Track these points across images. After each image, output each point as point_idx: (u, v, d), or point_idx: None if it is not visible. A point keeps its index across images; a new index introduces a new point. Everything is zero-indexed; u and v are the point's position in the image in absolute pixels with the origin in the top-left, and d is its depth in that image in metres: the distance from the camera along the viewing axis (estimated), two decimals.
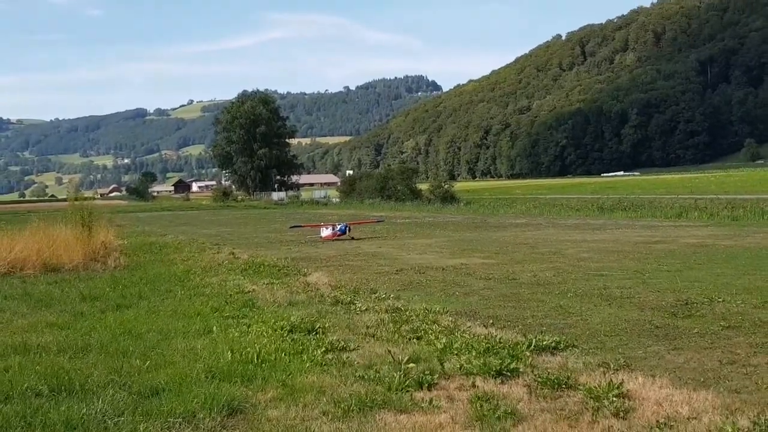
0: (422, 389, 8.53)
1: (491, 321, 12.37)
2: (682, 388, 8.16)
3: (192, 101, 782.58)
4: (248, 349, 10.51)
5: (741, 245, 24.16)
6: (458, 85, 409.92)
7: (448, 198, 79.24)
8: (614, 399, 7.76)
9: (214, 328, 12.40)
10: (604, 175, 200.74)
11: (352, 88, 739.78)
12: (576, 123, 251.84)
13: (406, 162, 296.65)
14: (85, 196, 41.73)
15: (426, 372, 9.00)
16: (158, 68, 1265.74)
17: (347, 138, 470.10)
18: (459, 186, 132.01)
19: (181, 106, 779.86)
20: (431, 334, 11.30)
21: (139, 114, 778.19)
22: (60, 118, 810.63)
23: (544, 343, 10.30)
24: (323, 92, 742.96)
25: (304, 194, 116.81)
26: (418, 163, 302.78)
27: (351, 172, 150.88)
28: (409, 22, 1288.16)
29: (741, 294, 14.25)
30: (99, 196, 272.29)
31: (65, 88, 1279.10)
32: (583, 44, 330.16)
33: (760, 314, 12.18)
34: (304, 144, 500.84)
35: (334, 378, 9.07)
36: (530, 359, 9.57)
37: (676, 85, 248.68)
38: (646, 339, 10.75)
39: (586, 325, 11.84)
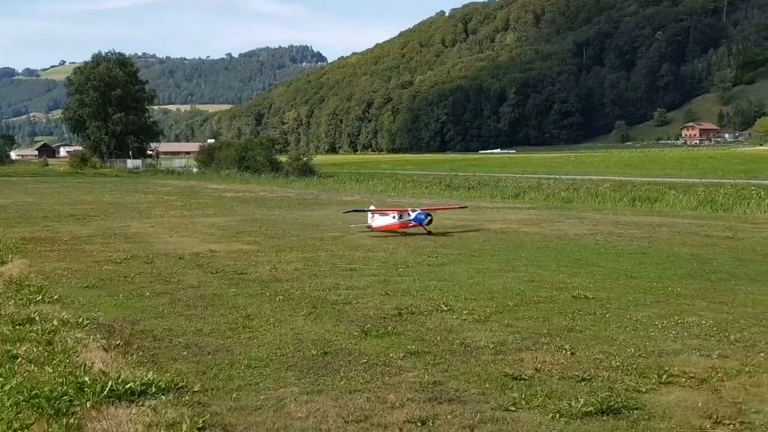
0: None
1: (126, 341, 9.34)
2: None
3: (64, 62, 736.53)
4: None
5: (542, 233, 22.00)
6: (342, 57, 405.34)
7: (307, 171, 76.11)
8: None
9: None
10: (482, 152, 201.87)
11: (235, 55, 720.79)
12: (456, 99, 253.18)
13: (287, 133, 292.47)
14: None
15: None
16: (29, 26, 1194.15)
17: (229, 106, 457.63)
18: (327, 159, 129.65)
19: (52, 67, 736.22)
20: (17, 363, 8.21)
21: (7, 73, 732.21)
22: None
23: (129, 385, 7.28)
24: (205, 59, 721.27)
25: (164, 162, 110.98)
26: (299, 135, 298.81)
27: (212, 141, 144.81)
28: None
29: (480, 299, 11.82)
30: None
31: None
32: (466, 22, 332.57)
33: (468, 333, 9.64)
34: (183, 111, 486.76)
35: None
36: (80, 415, 6.60)
37: (553, 65, 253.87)
38: (293, 373, 7.98)
39: (243, 350, 8.97)
